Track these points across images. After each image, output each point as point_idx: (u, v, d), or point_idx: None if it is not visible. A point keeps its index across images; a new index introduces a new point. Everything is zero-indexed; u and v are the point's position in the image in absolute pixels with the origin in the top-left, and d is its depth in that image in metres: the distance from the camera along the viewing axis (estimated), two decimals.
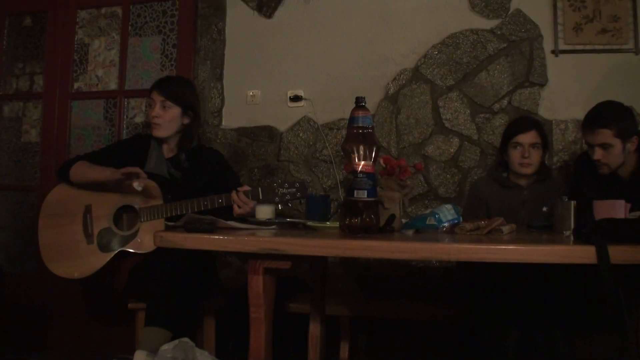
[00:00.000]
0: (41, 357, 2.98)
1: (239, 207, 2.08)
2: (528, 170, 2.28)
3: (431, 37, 2.75)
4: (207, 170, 2.38)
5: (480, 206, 2.32)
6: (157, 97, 2.35)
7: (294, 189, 1.99)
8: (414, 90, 2.76)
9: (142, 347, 1.88)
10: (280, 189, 1.99)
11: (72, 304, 3.00)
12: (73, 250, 2.25)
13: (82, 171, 2.30)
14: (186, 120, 2.39)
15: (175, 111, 2.36)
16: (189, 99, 2.42)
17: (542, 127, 2.33)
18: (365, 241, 1.39)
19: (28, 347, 3.00)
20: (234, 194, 2.09)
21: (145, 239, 2.19)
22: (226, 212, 2.14)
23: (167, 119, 2.35)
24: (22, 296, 3.06)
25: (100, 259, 2.22)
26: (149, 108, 2.40)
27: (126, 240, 2.22)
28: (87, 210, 2.28)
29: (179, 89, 2.40)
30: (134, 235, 2.22)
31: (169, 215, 2.16)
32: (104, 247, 2.23)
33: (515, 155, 2.29)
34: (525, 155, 2.26)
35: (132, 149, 2.40)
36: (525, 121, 2.37)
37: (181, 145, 2.40)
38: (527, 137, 2.27)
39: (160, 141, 2.39)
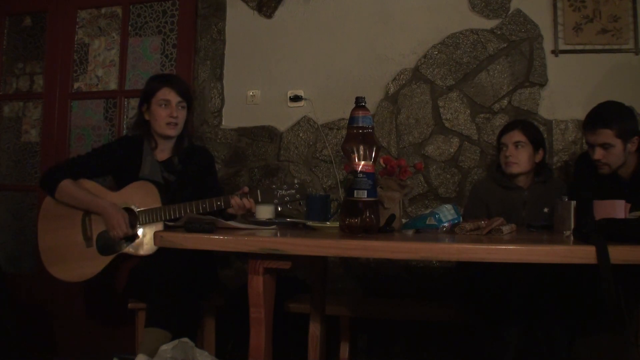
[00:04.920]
0: (41, 357, 2.98)
1: (238, 209, 2.10)
2: (513, 169, 2.28)
3: (431, 37, 2.75)
4: (198, 172, 2.38)
5: (481, 207, 2.32)
6: (175, 97, 2.30)
7: (293, 190, 1.99)
8: (414, 90, 2.76)
9: (143, 349, 1.88)
10: (280, 191, 1.99)
11: (73, 304, 3.00)
12: (72, 253, 2.24)
13: (71, 196, 2.25)
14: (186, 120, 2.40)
15: (186, 112, 2.37)
16: (192, 98, 2.43)
17: (529, 127, 2.33)
18: (365, 241, 1.39)
19: (28, 347, 3.00)
20: (235, 199, 2.09)
21: (144, 241, 2.19)
22: (223, 212, 2.14)
23: (182, 119, 2.34)
24: (22, 296, 3.06)
25: (100, 262, 2.21)
26: (156, 107, 2.31)
27: (125, 244, 2.22)
28: (86, 213, 2.27)
29: (188, 88, 2.42)
30: (133, 237, 2.22)
31: (167, 217, 2.16)
32: (103, 250, 2.23)
33: (501, 155, 2.34)
34: (507, 154, 2.28)
35: (124, 153, 2.35)
36: (511, 122, 2.42)
37: (176, 147, 2.38)
38: (510, 137, 2.30)
39: (155, 145, 2.36)
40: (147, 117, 2.34)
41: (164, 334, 1.91)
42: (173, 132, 2.32)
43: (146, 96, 2.34)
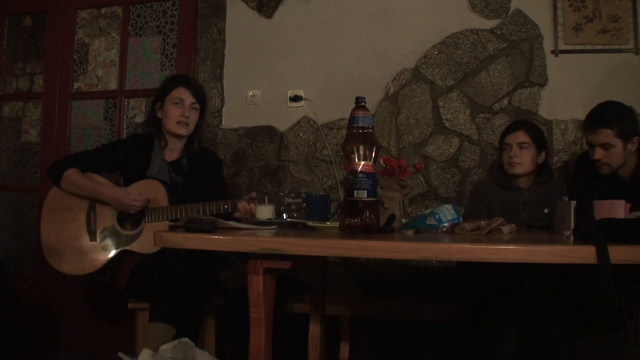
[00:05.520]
0: (42, 356, 2.98)
1: (245, 213, 2.10)
2: (516, 170, 2.28)
3: (431, 37, 2.75)
4: (204, 175, 2.39)
5: (481, 208, 2.32)
6: (189, 98, 2.33)
7: (300, 199, 2.00)
8: (414, 90, 2.76)
9: (147, 344, 1.88)
10: (287, 199, 2.00)
11: (73, 303, 3.01)
12: (75, 246, 2.25)
13: (76, 185, 2.25)
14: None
15: (198, 114, 2.39)
16: (206, 102, 2.46)
17: (533, 128, 2.33)
18: (365, 241, 1.39)
19: (28, 346, 3.00)
20: (242, 204, 2.09)
21: (148, 240, 2.19)
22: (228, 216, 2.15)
23: (193, 121, 2.37)
24: (23, 296, 3.06)
25: (102, 257, 2.22)
26: (169, 105, 2.33)
27: (129, 240, 2.22)
28: (91, 207, 2.28)
29: (203, 91, 2.44)
30: (138, 235, 2.22)
31: (174, 217, 2.17)
32: (106, 246, 2.24)
33: (504, 156, 2.33)
34: (511, 155, 2.27)
35: (134, 150, 2.36)
36: (514, 122, 2.41)
37: (186, 149, 2.39)
38: (514, 138, 2.29)
39: (165, 144, 2.37)
40: (159, 115, 2.37)
41: (168, 329, 1.92)
42: (183, 131, 2.33)
43: (161, 94, 2.37)
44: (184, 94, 2.33)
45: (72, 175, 2.25)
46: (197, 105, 2.37)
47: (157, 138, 2.37)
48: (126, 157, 2.35)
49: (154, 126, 2.38)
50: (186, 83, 2.37)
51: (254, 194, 2.12)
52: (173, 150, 2.39)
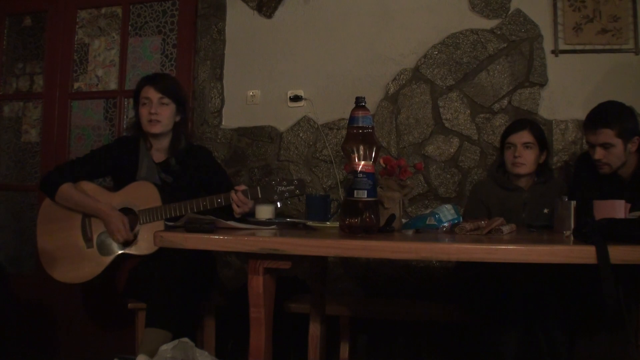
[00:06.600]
0: (41, 357, 2.98)
1: (238, 206, 2.08)
2: (521, 170, 2.28)
3: (431, 37, 2.75)
4: (197, 172, 2.36)
5: (481, 208, 2.32)
6: (154, 95, 2.29)
7: (293, 187, 1.99)
8: (414, 90, 2.76)
9: (143, 349, 1.88)
10: (279, 187, 1.98)
11: (72, 304, 3.00)
12: (73, 255, 2.24)
13: (72, 201, 2.25)
14: (177, 118, 2.37)
15: (172, 108, 2.33)
16: (182, 95, 2.40)
17: (536, 128, 2.32)
18: (365, 241, 1.39)
19: (28, 347, 3.00)
20: (232, 194, 2.08)
21: (145, 241, 2.19)
22: (225, 212, 2.13)
23: (166, 116, 2.32)
24: (22, 296, 3.06)
25: (101, 263, 2.21)
26: (140, 106, 2.32)
27: (126, 243, 2.22)
28: (86, 214, 2.27)
29: (172, 84, 2.38)
30: (134, 237, 2.21)
31: (168, 216, 2.16)
32: (103, 251, 2.22)
33: (508, 155, 2.31)
34: (516, 154, 2.26)
35: (122, 154, 2.34)
36: (518, 122, 2.39)
37: (172, 147, 2.36)
38: (519, 137, 2.28)
39: (150, 145, 2.35)
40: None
41: (164, 334, 1.91)
42: (155, 129, 2.30)
43: (134, 98, 2.37)
44: (148, 92, 2.30)
45: (66, 191, 2.24)
46: (166, 100, 2.31)
47: (142, 140, 2.35)
48: (116, 162, 2.33)
49: (136, 129, 2.37)
50: (151, 81, 2.34)
51: (244, 186, 2.09)
52: (159, 151, 2.37)
